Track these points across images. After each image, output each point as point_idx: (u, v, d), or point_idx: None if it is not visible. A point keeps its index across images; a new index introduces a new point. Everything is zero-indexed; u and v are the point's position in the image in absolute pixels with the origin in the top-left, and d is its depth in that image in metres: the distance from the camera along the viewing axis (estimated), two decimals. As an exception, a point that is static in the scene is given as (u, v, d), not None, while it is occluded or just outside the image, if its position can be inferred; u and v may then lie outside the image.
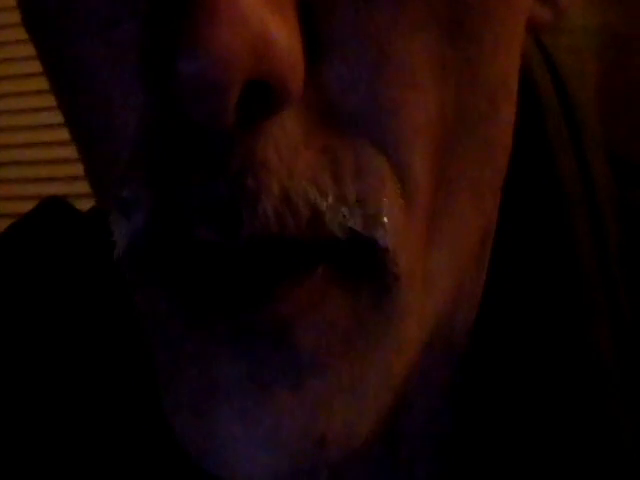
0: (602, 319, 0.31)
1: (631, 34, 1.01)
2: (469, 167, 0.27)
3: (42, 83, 0.29)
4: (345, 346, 0.25)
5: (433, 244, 0.27)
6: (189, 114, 0.22)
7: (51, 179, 1.62)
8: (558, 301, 0.32)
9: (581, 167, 0.33)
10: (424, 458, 0.32)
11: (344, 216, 0.24)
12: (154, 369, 0.28)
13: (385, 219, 0.24)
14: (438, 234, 0.27)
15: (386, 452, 0.32)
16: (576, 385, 0.31)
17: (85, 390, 0.35)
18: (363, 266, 0.25)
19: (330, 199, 0.24)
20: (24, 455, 0.35)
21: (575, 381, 0.31)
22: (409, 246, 0.25)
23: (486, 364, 0.32)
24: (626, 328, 0.32)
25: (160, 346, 0.27)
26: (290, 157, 0.23)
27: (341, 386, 0.26)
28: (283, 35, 0.22)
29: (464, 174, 0.27)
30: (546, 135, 0.33)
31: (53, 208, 0.40)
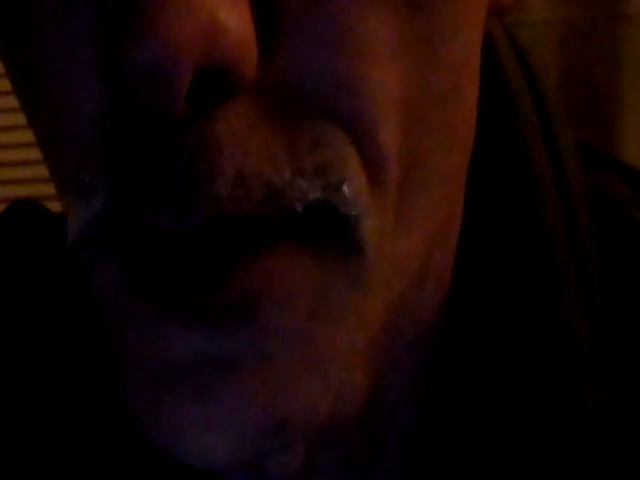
0: (574, 300, 0.31)
1: (589, 27, 1.02)
2: (435, 147, 0.27)
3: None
4: (311, 319, 0.25)
5: (402, 224, 0.26)
6: (140, 102, 0.22)
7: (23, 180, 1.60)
8: (530, 284, 0.32)
9: (551, 153, 0.33)
10: (397, 440, 0.32)
11: (302, 189, 0.24)
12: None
13: (346, 187, 0.24)
14: (407, 215, 0.27)
15: (360, 434, 0.32)
16: (549, 367, 0.31)
17: (54, 388, 0.35)
18: (327, 235, 0.25)
19: (287, 174, 0.24)
20: None
21: (548, 363, 0.31)
22: (375, 218, 0.25)
23: (457, 347, 0.32)
24: (598, 308, 0.32)
25: (116, 331, 0.27)
26: (245, 137, 0.23)
27: (306, 364, 0.25)
28: (234, 20, 0.22)
29: (431, 154, 0.27)
30: (516, 121, 0.33)
31: (24, 210, 0.40)
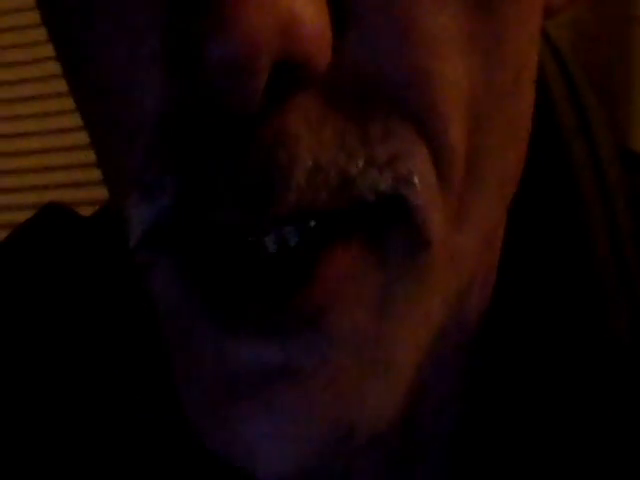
0: (617, 303, 0.31)
1: (597, 30, 1.02)
2: (495, 145, 0.27)
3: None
4: (378, 322, 0.25)
5: (462, 221, 0.26)
6: (218, 98, 0.22)
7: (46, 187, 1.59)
8: (572, 286, 0.32)
9: (591, 153, 0.33)
10: (437, 442, 0.32)
11: (374, 178, 0.24)
12: (167, 367, 0.28)
13: (416, 179, 0.24)
14: (466, 214, 0.27)
15: (401, 435, 0.31)
16: (593, 371, 0.31)
17: (99, 392, 0.34)
18: (395, 229, 0.25)
19: (360, 163, 0.23)
20: (40, 452, 0.34)
21: (591, 366, 0.31)
22: (441, 213, 0.25)
23: (499, 349, 0.31)
24: None
25: (177, 340, 0.27)
26: (318, 127, 0.23)
27: (374, 366, 0.25)
28: (310, 12, 0.22)
29: (494, 153, 0.27)
30: (556, 121, 0.33)
31: (54, 214, 0.39)
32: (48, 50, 0.29)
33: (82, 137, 0.29)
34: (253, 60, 0.21)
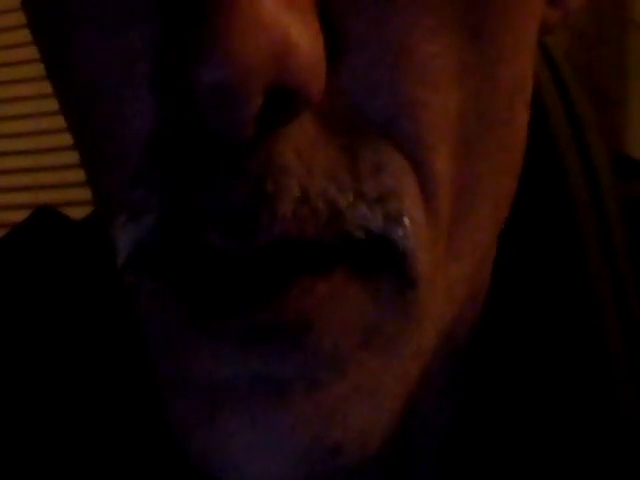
0: (610, 316, 0.31)
1: (597, 33, 1.02)
2: (488, 172, 0.26)
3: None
4: (364, 348, 0.25)
5: (453, 252, 0.26)
6: (208, 123, 0.21)
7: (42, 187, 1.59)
8: (564, 298, 0.31)
9: (585, 162, 0.33)
10: (429, 453, 0.32)
11: (364, 214, 0.23)
12: (153, 376, 0.28)
13: (406, 220, 0.24)
14: (459, 243, 0.26)
15: (393, 455, 0.31)
16: (584, 381, 0.31)
17: (84, 399, 0.34)
18: (383, 267, 0.24)
19: (350, 196, 0.23)
20: (22, 459, 0.34)
21: (583, 377, 0.31)
22: (429, 250, 0.25)
23: (490, 362, 0.31)
24: (635, 323, 0.31)
25: (163, 353, 0.27)
26: (309, 157, 0.23)
27: (359, 391, 0.25)
28: (305, 40, 0.21)
29: (483, 180, 0.26)
30: (549, 131, 0.33)
31: (45, 217, 0.39)
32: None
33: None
34: (245, 88, 0.21)
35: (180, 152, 0.23)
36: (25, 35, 0.28)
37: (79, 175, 0.29)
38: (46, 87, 0.28)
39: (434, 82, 0.24)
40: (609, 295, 0.31)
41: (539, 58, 0.34)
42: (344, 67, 0.23)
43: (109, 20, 0.24)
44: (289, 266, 0.24)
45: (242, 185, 0.22)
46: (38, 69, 0.28)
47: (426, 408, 0.31)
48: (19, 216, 0.40)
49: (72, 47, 0.25)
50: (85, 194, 0.30)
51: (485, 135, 0.25)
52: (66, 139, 0.29)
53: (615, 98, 1.02)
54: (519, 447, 0.31)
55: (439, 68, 0.24)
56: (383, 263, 0.24)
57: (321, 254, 0.24)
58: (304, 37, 0.21)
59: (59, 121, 0.29)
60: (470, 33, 0.24)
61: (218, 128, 0.21)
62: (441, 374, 0.31)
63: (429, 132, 0.24)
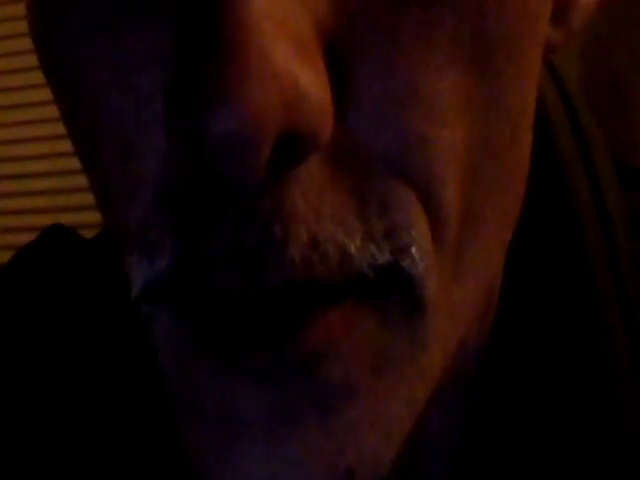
0: (618, 332, 0.31)
1: (613, 33, 1.01)
2: (493, 198, 0.27)
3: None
4: (373, 374, 0.25)
5: (459, 276, 0.26)
6: (218, 170, 0.22)
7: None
8: (572, 316, 0.32)
9: (590, 178, 0.33)
10: (438, 472, 0.32)
11: (372, 254, 0.24)
12: (164, 393, 0.28)
13: (414, 250, 0.24)
14: (463, 267, 0.26)
15: (401, 467, 0.32)
16: (592, 399, 0.31)
17: (95, 421, 0.35)
18: (391, 295, 0.25)
19: (358, 240, 0.23)
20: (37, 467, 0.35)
21: (591, 396, 0.31)
22: (436, 277, 0.25)
23: (499, 382, 0.32)
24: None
25: (177, 381, 0.27)
26: (317, 202, 0.23)
27: (369, 416, 0.25)
28: (313, 87, 0.22)
29: (488, 205, 0.26)
30: (556, 150, 0.33)
31: (57, 236, 0.40)
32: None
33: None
34: (256, 137, 0.21)
35: (191, 194, 0.24)
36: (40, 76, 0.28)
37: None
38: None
39: (441, 118, 0.24)
40: (617, 312, 0.32)
41: (544, 73, 0.35)
42: (351, 107, 0.23)
43: (122, 62, 0.24)
44: (300, 301, 0.24)
45: (251, 229, 0.23)
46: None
47: (435, 429, 0.31)
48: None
49: (84, 88, 0.25)
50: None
51: (490, 162, 0.26)
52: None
53: (631, 98, 1.01)
54: (529, 467, 0.31)
55: (446, 104, 0.24)
56: (391, 289, 0.25)
57: (331, 289, 0.24)
58: (313, 84, 0.22)
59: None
60: (476, 68, 0.24)
61: (228, 174, 0.22)
62: (449, 394, 0.31)
63: (437, 166, 0.24)
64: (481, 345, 0.31)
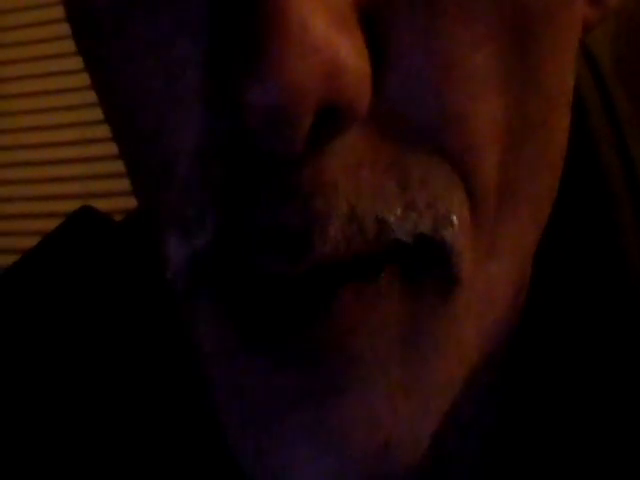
0: None
1: (646, 17, 1.00)
2: (531, 175, 0.26)
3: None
4: (406, 347, 0.25)
5: (494, 253, 0.26)
6: (259, 143, 0.22)
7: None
8: (605, 300, 0.31)
9: (624, 163, 0.33)
10: (469, 457, 0.32)
11: (414, 222, 0.24)
12: (197, 376, 0.28)
13: (454, 218, 0.24)
14: (500, 244, 0.26)
15: (431, 456, 0.32)
16: (629, 385, 0.31)
17: (130, 395, 0.35)
18: (427, 268, 0.25)
19: (398, 210, 0.23)
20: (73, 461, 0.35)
21: (628, 380, 0.31)
22: (473, 251, 0.25)
23: (531, 365, 0.31)
24: None
25: (213, 361, 0.27)
26: (356, 172, 0.23)
27: (404, 389, 0.25)
28: (352, 57, 0.22)
29: (525, 182, 0.26)
30: (588, 131, 0.33)
31: (86, 219, 0.40)
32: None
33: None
34: (296, 109, 0.21)
35: (229, 168, 0.24)
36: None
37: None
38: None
39: (480, 91, 0.24)
40: None
41: (580, 58, 0.34)
42: (390, 79, 0.23)
43: (158, 31, 0.24)
44: (336, 275, 0.24)
45: (292, 202, 0.23)
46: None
47: (467, 412, 0.31)
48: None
49: (121, 58, 0.25)
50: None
51: (528, 139, 0.26)
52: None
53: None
54: (561, 452, 0.31)
55: (485, 77, 0.24)
56: (428, 262, 0.25)
57: (368, 261, 0.24)
58: (352, 56, 0.22)
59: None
60: (515, 41, 0.24)
61: (269, 145, 0.22)
62: (483, 377, 0.31)
63: (476, 141, 0.24)
64: (513, 327, 0.31)
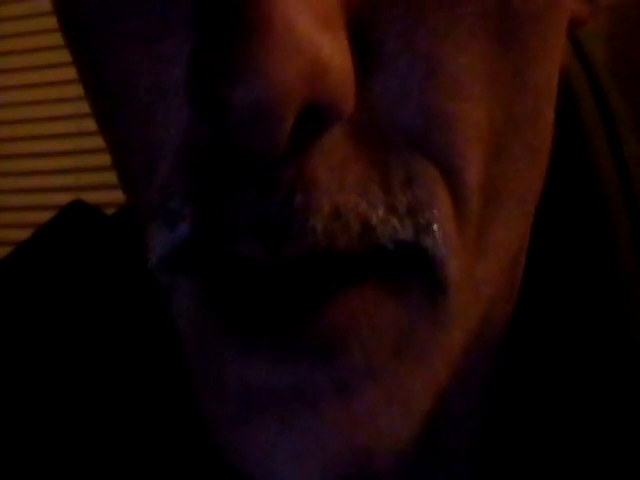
0: None
1: (640, 16, 1.00)
2: (516, 173, 0.26)
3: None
4: (395, 355, 0.25)
5: (480, 253, 0.26)
6: (242, 142, 0.22)
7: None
8: (597, 296, 0.31)
9: (616, 158, 0.33)
10: (457, 458, 0.32)
11: (394, 227, 0.23)
12: (185, 369, 0.28)
13: (435, 228, 0.24)
14: (485, 243, 0.26)
15: (420, 454, 0.32)
16: (619, 388, 0.31)
17: (116, 387, 0.35)
18: (413, 275, 0.25)
19: (380, 211, 0.23)
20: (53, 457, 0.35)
21: (616, 382, 0.31)
22: (459, 255, 0.25)
23: (522, 361, 0.31)
24: None
25: (197, 354, 0.27)
26: (340, 172, 0.23)
27: (389, 397, 0.25)
28: (336, 57, 0.22)
29: (511, 180, 0.26)
30: (580, 125, 0.33)
31: (77, 212, 0.40)
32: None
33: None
34: (279, 108, 0.21)
35: (212, 163, 0.24)
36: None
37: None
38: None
39: (465, 93, 0.24)
40: None
41: (569, 48, 0.34)
42: (375, 80, 0.23)
43: (144, 28, 0.24)
44: (322, 276, 0.24)
45: (273, 198, 0.23)
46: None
47: (458, 409, 0.31)
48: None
49: (106, 57, 0.25)
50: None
51: (514, 137, 0.25)
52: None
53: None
54: (553, 449, 0.31)
55: (470, 79, 0.24)
56: (413, 270, 0.25)
57: (352, 264, 0.24)
58: (335, 56, 0.22)
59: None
60: (500, 42, 0.24)
61: (251, 144, 0.22)
62: (472, 374, 0.31)
63: (461, 142, 0.24)
64: (504, 325, 0.31)
